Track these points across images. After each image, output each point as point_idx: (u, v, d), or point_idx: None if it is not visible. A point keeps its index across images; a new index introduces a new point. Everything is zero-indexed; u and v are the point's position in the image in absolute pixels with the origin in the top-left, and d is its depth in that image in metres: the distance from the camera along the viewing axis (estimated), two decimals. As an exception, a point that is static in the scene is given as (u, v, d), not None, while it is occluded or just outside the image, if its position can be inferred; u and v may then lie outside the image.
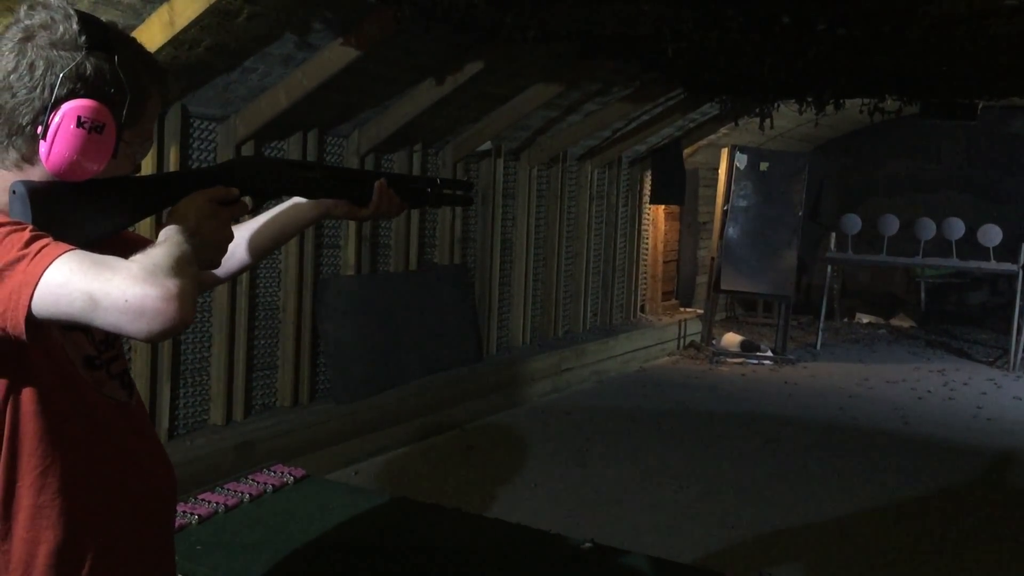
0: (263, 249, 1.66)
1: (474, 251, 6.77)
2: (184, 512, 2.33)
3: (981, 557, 4.22)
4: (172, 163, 4.37)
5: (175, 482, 1.53)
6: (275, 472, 2.66)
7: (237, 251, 1.61)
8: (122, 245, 1.24)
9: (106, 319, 1.12)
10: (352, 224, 5.49)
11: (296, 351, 5.25)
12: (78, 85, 1.25)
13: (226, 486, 2.54)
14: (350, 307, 5.54)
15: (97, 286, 1.11)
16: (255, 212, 1.48)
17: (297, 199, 1.63)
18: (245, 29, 3.98)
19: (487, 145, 6.48)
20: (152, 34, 3.59)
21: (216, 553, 2.17)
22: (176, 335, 1.20)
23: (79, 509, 1.32)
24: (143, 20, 3.61)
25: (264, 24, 4.02)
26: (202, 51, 3.99)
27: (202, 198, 1.36)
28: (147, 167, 3.50)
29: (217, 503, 2.40)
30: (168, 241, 1.24)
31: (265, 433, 4.76)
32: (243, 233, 1.64)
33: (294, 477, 2.63)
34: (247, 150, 4.72)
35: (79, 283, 1.11)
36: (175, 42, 3.69)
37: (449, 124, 6.00)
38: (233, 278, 1.69)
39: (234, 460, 4.43)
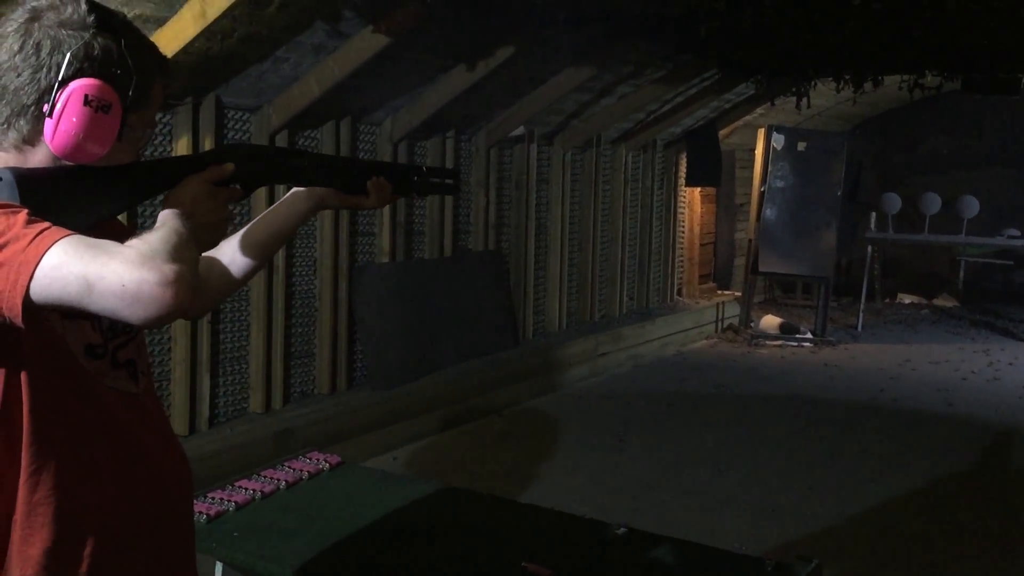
0: (265, 247, 1.64)
1: (509, 237, 6.76)
2: (221, 499, 2.36)
3: (1027, 540, 4.15)
4: (207, 154, 4.39)
5: (189, 474, 1.49)
6: (311, 459, 2.69)
7: (240, 253, 1.61)
8: (115, 236, 1.21)
9: (102, 304, 1.10)
10: (386, 211, 5.50)
11: (333, 339, 5.28)
12: (85, 64, 1.24)
13: (262, 473, 2.56)
14: (386, 294, 5.56)
15: (93, 270, 1.09)
16: (245, 197, 1.49)
17: (293, 193, 1.64)
18: (276, 18, 3.99)
19: (520, 130, 6.45)
20: (184, 25, 3.62)
21: (252, 539, 2.19)
22: (171, 321, 1.18)
23: (76, 506, 1.28)
24: (175, 12, 3.64)
25: (295, 13, 4.03)
26: (234, 42, 4.01)
27: (196, 181, 1.36)
28: (181, 158, 3.52)
29: (253, 490, 2.43)
30: (165, 226, 1.23)
31: (304, 420, 4.80)
32: (239, 236, 1.62)
33: (329, 464, 2.65)
34: (281, 140, 4.75)
35: (75, 266, 1.09)
36: (207, 33, 3.70)
37: (482, 110, 5.99)
38: (247, 281, 1.68)
39: (273, 447, 4.48)
